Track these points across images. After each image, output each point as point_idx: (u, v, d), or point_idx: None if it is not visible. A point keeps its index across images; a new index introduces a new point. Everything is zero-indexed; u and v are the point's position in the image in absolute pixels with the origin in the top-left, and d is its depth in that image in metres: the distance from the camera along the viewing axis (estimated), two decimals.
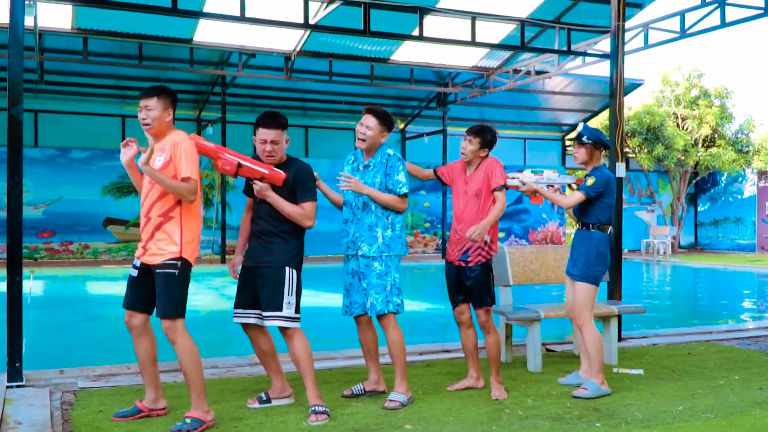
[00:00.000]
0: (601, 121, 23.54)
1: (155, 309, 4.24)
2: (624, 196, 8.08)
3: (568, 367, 5.96)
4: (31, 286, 12.76)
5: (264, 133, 4.44)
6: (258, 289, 4.45)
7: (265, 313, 4.40)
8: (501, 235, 23.02)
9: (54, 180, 18.21)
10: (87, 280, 15.07)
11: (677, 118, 23.66)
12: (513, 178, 5.26)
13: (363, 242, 4.70)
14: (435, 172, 5.35)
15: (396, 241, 4.74)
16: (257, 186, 4.37)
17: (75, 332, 9.08)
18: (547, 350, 6.64)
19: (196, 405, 4.17)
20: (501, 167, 5.03)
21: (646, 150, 22.48)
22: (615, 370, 5.84)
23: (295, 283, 4.42)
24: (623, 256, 7.88)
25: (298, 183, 4.45)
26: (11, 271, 5.18)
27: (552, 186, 5.32)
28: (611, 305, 6.35)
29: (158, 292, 4.17)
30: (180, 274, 4.16)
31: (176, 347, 4.16)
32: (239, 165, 4.32)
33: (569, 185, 5.51)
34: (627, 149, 22.49)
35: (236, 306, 4.59)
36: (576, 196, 5.15)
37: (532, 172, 5.33)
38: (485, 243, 4.96)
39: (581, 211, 5.24)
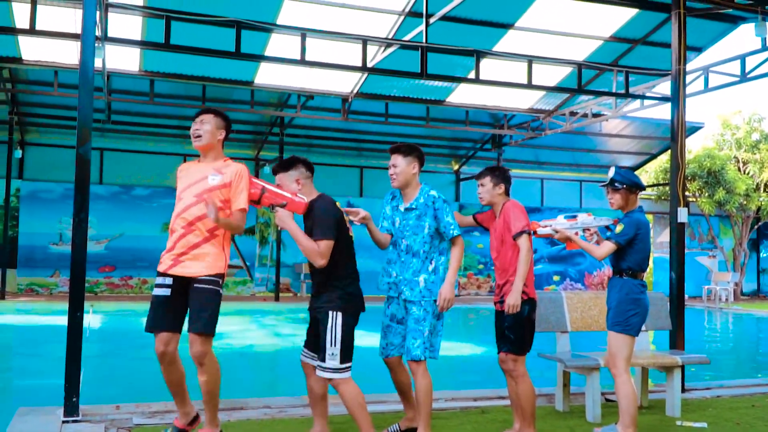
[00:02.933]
0: (659, 164, 23.16)
1: (189, 327, 4.11)
2: (685, 241, 7.86)
3: None
4: (90, 320, 13.04)
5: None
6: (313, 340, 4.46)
7: (315, 362, 4.38)
8: (556, 278, 22.65)
9: (116, 216, 18.73)
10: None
11: (738, 162, 23.10)
12: (546, 226, 5.12)
13: (405, 286, 4.65)
14: (474, 218, 5.24)
15: (437, 285, 4.66)
16: (278, 213, 4.33)
17: (132, 367, 9.20)
18: (607, 400, 6.43)
19: (210, 421, 4.27)
20: (520, 210, 4.86)
21: (706, 194, 21.96)
22: (679, 422, 5.62)
23: (340, 330, 4.24)
24: (684, 303, 7.64)
25: (314, 220, 4.36)
26: (73, 307, 5.28)
27: (588, 230, 5.14)
28: (675, 355, 6.14)
29: (198, 306, 4.08)
30: (220, 292, 4.20)
31: (204, 368, 4.08)
32: (263, 190, 4.32)
33: (606, 227, 5.31)
34: (687, 193, 22.00)
35: (304, 344, 4.59)
36: (607, 246, 4.92)
37: (565, 217, 5.17)
38: None
39: (613, 259, 5.01)
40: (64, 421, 5.10)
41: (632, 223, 4.90)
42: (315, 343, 4.44)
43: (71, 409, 5.19)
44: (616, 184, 4.98)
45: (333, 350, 4.22)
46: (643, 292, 4.96)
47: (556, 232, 5.07)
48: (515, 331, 4.80)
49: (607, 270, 23.02)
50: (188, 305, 4.15)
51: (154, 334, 4.16)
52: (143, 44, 10.57)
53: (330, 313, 4.27)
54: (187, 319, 4.19)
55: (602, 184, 5.12)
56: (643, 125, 20.35)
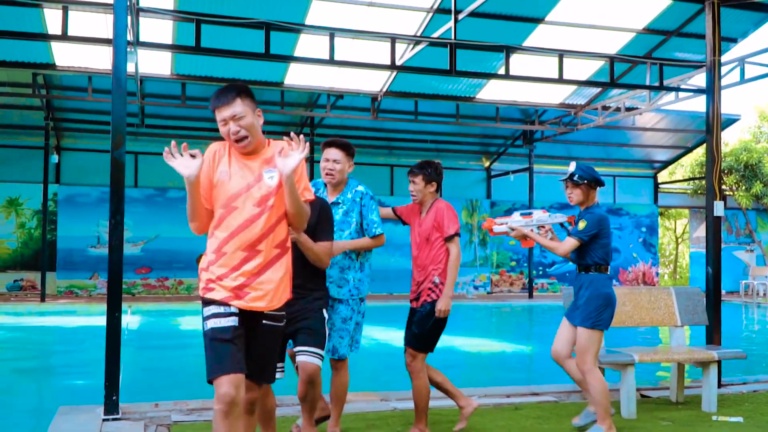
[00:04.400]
0: (695, 157, 22.81)
1: (250, 374, 3.28)
2: (721, 236, 7.75)
3: (664, 413, 5.70)
4: (129, 321, 13.26)
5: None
6: (297, 333, 4.22)
7: (311, 349, 4.18)
8: None
9: (152, 219, 18.99)
10: (181, 315, 15.55)
11: None
12: (502, 224, 5.07)
13: (332, 284, 4.57)
14: (394, 211, 5.17)
15: (364, 282, 4.70)
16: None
17: (169, 366, 9.34)
18: (642, 396, 6.37)
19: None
20: (454, 213, 4.85)
21: (743, 187, 21.57)
22: (714, 417, 5.56)
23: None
24: (721, 298, 7.52)
25: (326, 220, 4.28)
26: (111, 307, 5.38)
27: (543, 227, 5.08)
28: (711, 350, 6.06)
29: (266, 353, 3.34)
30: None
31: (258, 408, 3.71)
32: None
33: (561, 224, 5.22)
34: (724, 187, 21.63)
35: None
36: (570, 243, 4.90)
37: (520, 214, 5.11)
38: (434, 284, 4.78)
39: (578, 255, 4.97)
40: (104, 419, 5.20)
41: (595, 219, 4.89)
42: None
43: (111, 407, 5.29)
44: (577, 179, 4.93)
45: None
46: (611, 285, 4.99)
47: (512, 230, 5.03)
48: (423, 327, 4.77)
49: (642, 266, 22.75)
50: (250, 344, 3.26)
51: (213, 380, 3.11)
52: (174, 48, 10.72)
53: (324, 311, 4.31)
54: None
55: (562, 178, 5.04)
56: (678, 118, 20.05)
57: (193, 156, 3.17)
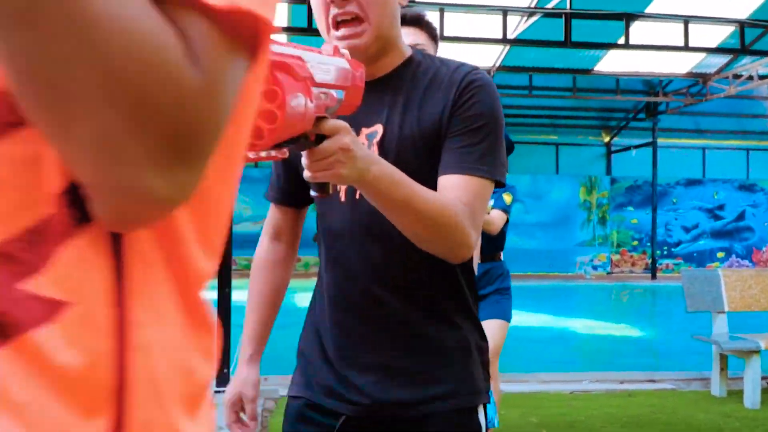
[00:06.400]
0: None
1: None
2: None
3: None
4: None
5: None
6: None
7: None
8: (720, 255, 21.22)
9: None
10: (296, 292, 16.01)
11: None
12: None
13: None
14: None
15: None
16: None
17: (281, 342, 9.62)
18: None
19: None
20: None
21: None
22: None
23: None
24: None
25: None
26: (221, 283, 5.60)
27: None
28: None
29: None
30: None
31: None
32: None
33: None
34: None
35: None
36: (501, 217, 3.87)
37: None
38: None
39: (493, 238, 3.86)
40: (216, 391, 5.37)
41: (516, 193, 4.05)
42: None
43: (222, 379, 5.48)
44: None
45: None
46: None
47: None
48: None
49: None
50: None
51: None
52: (289, 30, 10.97)
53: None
54: None
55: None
56: None
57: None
